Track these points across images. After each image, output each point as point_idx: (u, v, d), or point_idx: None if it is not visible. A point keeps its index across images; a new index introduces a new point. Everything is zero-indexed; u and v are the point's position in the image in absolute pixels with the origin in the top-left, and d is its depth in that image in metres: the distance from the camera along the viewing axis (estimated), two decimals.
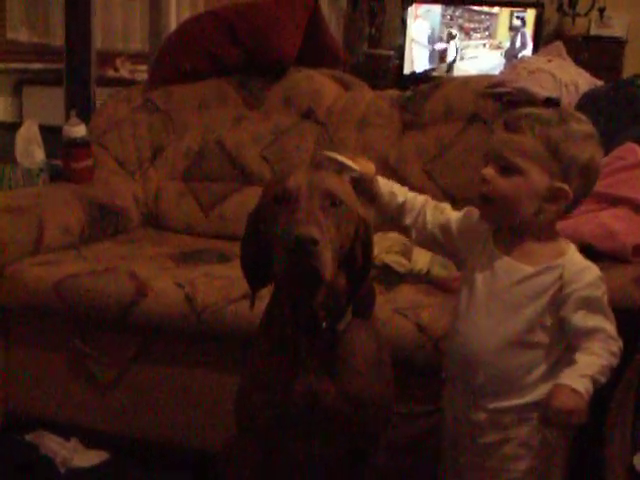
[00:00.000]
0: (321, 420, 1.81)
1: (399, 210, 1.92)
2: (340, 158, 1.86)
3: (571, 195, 1.73)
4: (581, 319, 1.72)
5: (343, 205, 1.68)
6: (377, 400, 1.85)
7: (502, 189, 1.73)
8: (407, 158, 3.11)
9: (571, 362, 1.72)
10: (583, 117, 1.78)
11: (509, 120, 1.74)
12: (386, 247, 2.70)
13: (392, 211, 1.92)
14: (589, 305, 1.73)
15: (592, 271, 1.76)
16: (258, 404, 1.84)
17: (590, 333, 1.72)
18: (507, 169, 1.72)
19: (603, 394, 1.77)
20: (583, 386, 1.67)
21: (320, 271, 1.60)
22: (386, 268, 2.65)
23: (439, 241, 1.92)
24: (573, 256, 1.78)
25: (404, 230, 1.95)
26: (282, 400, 1.80)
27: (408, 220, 1.92)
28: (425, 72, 6.54)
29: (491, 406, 1.80)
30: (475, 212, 1.90)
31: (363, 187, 1.89)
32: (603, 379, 1.71)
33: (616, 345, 1.73)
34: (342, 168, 1.84)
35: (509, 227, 1.79)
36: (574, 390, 1.67)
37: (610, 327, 1.74)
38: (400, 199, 1.92)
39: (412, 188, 2.98)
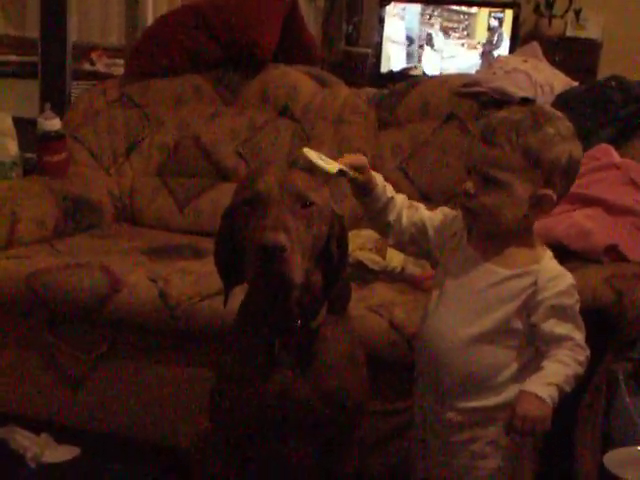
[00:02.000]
0: (295, 416, 1.82)
1: (386, 205, 1.89)
2: (315, 160, 1.82)
3: (555, 199, 1.73)
4: (551, 327, 1.73)
5: (314, 205, 1.68)
6: (351, 396, 1.85)
7: (486, 203, 1.72)
8: (383, 156, 3.11)
9: (538, 368, 1.73)
10: (556, 114, 1.77)
11: (485, 131, 1.72)
12: (359, 244, 2.71)
13: (381, 205, 1.89)
14: (560, 313, 1.73)
15: (566, 279, 1.76)
16: (233, 401, 1.84)
17: (559, 341, 1.73)
18: (489, 182, 1.71)
19: (574, 395, 1.78)
20: (548, 394, 1.68)
21: (289, 276, 1.60)
22: (360, 265, 2.65)
23: (414, 240, 1.90)
24: (548, 263, 1.78)
25: (384, 228, 1.92)
26: (257, 397, 1.80)
27: (391, 217, 1.90)
28: (402, 71, 6.55)
29: (460, 406, 1.81)
30: (449, 212, 1.90)
31: (359, 180, 1.85)
32: (568, 388, 1.72)
33: (583, 354, 1.74)
34: (314, 169, 1.82)
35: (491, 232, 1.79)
36: (539, 398, 1.68)
37: (579, 336, 1.74)
38: (389, 194, 1.90)
39: None
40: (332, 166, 1.78)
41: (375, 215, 1.92)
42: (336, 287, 1.78)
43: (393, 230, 1.91)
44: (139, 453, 2.62)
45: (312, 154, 1.80)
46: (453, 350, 1.79)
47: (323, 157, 1.79)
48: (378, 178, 1.90)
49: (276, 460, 1.92)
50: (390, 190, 1.91)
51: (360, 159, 1.86)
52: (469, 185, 1.74)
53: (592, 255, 2.28)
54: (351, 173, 1.82)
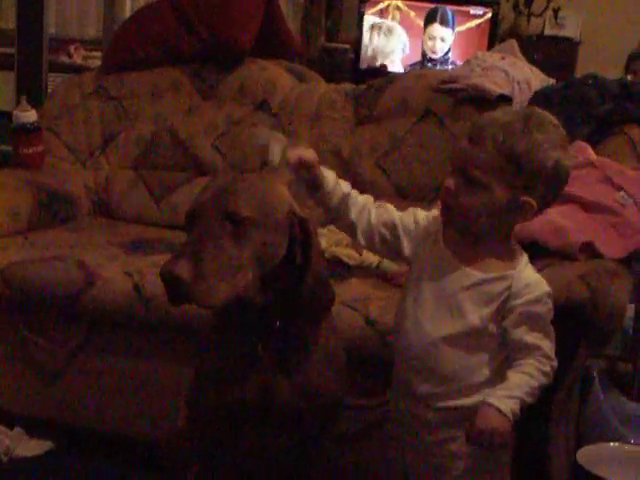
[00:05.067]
0: (274, 415, 1.82)
1: (344, 201, 1.85)
2: (268, 132, 1.83)
3: (535, 206, 1.69)
4: (521, 334, 1.71)
5: (248, 220, 1.65)
6: (331, 393, 1.86)
7: (465, 202, 1.69)
8: (360, 152, 3.11)
9: (504, 379, 1.71)
10: (550, 120, 1.72)
11: (473, 130, 1.69)
12: (336, 240, 2.71)
13: (336, 202, 1.85)
14: (531, 321, 1.71)
15: (540, 287, 1.74)
16: (212, 399, 1.83)
17: (527, 349, 1.71)
18: (470, 182, 1.68)
19: (548, 391, 1.79)
20: (509, 408, 1.67)
21: (199, 302, 1.62)
22: (336, 261, 2.65)
23: (384, 240, 1.86)
24: (524, 269, 1.75)
25: (348, 228, 1.88)
26: (236, 396, 1.80)
27: (353, 215, 1.85)
28: (380, 67, 6.55)
29: (435, 405, 1.79)
30: (420, 212, 1.87)
31: (305, 172, 1.82)
32: (531, 399, 1.71)
33: (549, 365, 1.72)
34: (271, 140, 1.82)
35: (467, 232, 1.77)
36: (500, 411, 1.67)
37: (547, 346, 1.72)
38: (345, 189, 1.86)
39: (365, 182, 3.02)
40: (278, 156, 1.80)
41: (334, 214, 1.87)
42: (305, 290, 1.74)
43: (360, 230, 1.86)
44: (113, 448, 2.61)
45: (265, 135, 1.81)
46: (425, 350, 1.77)
47: (278, 138, 1.80)
48: (328, 173, 1.85)
49: (253, 454, 1.92)
50: (346, 186, 1.87)
51: (308, 154, 1.82)
52: (450, 182, 1.71)
53: (567, 252, 2.29)
54: (300, 171, 1.81)
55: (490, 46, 6.27)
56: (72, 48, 5.51)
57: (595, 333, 2.09)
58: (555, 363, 1.73)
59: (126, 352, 2.56)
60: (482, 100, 2.93)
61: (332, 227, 2.72)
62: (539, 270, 1.80)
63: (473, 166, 1.67)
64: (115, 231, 3.11)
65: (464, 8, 6.51)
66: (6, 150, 3.36)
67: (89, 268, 2.54)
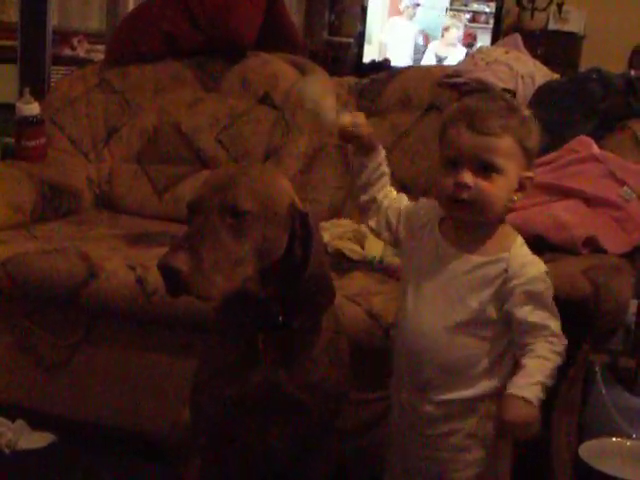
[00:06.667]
0: (278, 409, 1.82)
1: (380, 177, 1.89)
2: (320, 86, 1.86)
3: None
4: (526, 314, 1.71)
5: (248, 214, 1.64)
6: (335, 388, 1.86)
7: (486, 192, 1.69)
8: None
9: (519, 367, 1.72)
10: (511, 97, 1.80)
11: (475, 121, 1.70)
12: (339, 234, 2.70)
13: (375, 174, 1.88)
14: (534, 300, 1.72)
15: (536, 266, 1.75)
16: (214, 394, 1.83)
17: (534, 330, 1.71)
18: (486, 170, 1.69)
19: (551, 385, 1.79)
20: (534, 395, 1.68)
21: (197, 294, 1.61)
22: (339, 255, 2.65)
23: (389, 226, 1.89)
24: (519, 249, 1.76)
25: (368, 203, 1.90)
26: (239, 391, 1.80)
27: (380, 195, 1.89)
28: (384, 61, 6.56)
29: (438, 398, 1.79)
30: (421, 200, 1.90)
31: (362, 136, 1.85)
32: (551, 382, 1.71)
33: (561, 344, 1.72)
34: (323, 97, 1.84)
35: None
36: (526, 401, 1.67)
37: (555, 324, 1.73)
38: (387, 169, 1.90)
39: None
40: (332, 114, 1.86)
41: (365, 183, 1.89)
42: (304, 284, 1.73)
43: (376, 210, 1.90)
44: (116, 441, 2.60)
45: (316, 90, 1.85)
46: (432, 343, 1.77)
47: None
48: (380, 145, 1.90)
49: (258, 451, 1.91)
50: (387, 167, 1.91)
51: (361, 115, 1.87)
52: (467, 177, 1.69)
53: (570, 247, 2.29)
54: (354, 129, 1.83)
55: (494, 41, 6.28)
56: (75, 41, 5.51)
57: (598, 328, 2.09)
58: (565, 341, 1.74)
59: (128, 345, 2.56)
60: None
61: (335, 221, 2.73)
62: None
63: (489, 154, 1.69)
64: (118, 224, 3.11)
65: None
66: (9, 142, 3.35)
67: (92, 260, 2.54)
